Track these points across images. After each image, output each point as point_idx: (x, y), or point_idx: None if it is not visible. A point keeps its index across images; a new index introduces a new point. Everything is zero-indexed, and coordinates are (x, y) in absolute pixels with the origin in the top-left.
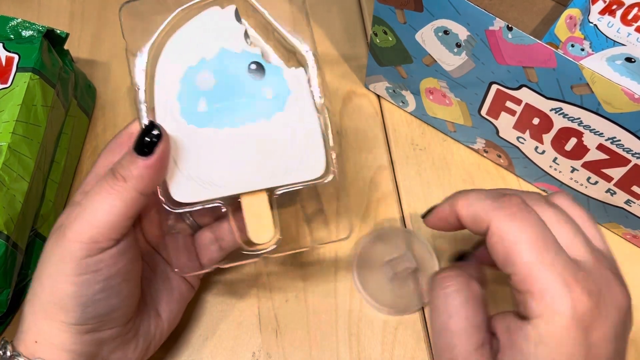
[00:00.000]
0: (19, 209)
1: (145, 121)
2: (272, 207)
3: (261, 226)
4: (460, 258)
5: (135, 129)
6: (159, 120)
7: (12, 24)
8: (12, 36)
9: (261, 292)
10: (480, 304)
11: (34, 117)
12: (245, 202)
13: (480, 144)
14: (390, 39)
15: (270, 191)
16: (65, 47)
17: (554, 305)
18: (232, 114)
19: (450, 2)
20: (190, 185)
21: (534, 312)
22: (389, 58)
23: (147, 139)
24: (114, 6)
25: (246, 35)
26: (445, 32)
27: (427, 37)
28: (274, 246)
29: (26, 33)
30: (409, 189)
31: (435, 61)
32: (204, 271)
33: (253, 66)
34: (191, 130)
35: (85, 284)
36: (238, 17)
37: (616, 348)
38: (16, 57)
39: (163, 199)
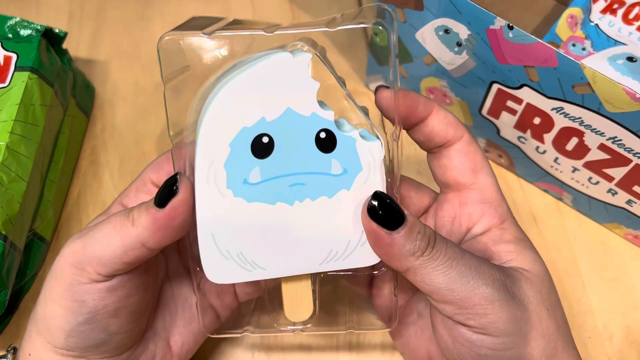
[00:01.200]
0: (17, 209)
1: (205, 210)
2: (313, 285)
3: (299, 306)
4: None
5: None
6: (198, 186)
7: (11, 23)
8: (10, 35)
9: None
10: None
11: (32, 116)
12: (286, 284)
13: (481, 143)
14: None
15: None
16: (64, 46)
17: (533, 255)
18: (289, 189)
19: (450, 1)
20: (227, 266)
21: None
22: (390, 58)
23: (165, 190)
24: (112, 5)
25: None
26: (446, 31)
27: (427, 36)
28: (308, 325)
29: (24, 32)
30: None
31: (436, 60)
32: (230, 335)
33: (322, 134)
34: (237, 203)
35: (69, 312)
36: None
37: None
38: (14, 56)
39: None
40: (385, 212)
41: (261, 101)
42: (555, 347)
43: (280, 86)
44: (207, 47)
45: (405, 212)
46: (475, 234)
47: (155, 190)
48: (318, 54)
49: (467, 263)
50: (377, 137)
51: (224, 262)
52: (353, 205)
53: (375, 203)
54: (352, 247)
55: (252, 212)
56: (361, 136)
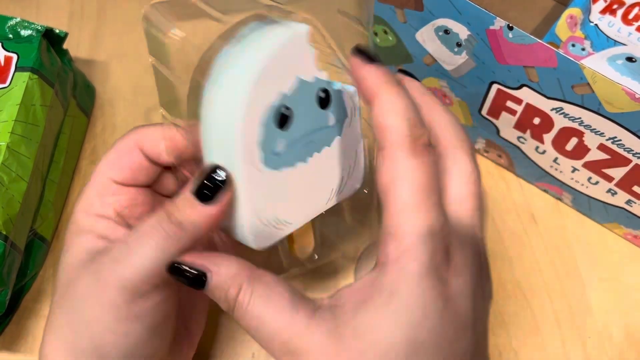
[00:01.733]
0: (17, 209)
1: (208, 162)
2: (313, 222)
3: (306, 243)
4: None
5: (142, 140)
6: (237, 166)
7: (11, 23)
8: (10, 35)
9: None
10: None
11: (33, 116)
12: (296, 229)
13: (480, 143)
14: (391, 38)
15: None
16: (64, 46)
17: (412, 250)
18: (304, 149)
19: (450, 1)
20: (268, 231)
21: (389, 257)
22: (389, 58)
23: (209, 183)
24: (113, 5)
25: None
26: (446, 31)
27: (427, 36)
28: (315, 257)
29: (25, 32)
30: None
31: (436, 61)
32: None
33: (322, 94)
34: (269, 175)
35: (126, 334)
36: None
37: (476, 304)
38: (15, 56)
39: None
40: (187, 279)
41: (276, 76)
42: None
43: (288, 58)
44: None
45: (209, 275)
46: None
47: (124, 191)
48: (313, 25)
49: (278, 301)
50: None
51: (263, 229)
52: (343, 147)
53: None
54: (344, 182)
55: (280, 179)
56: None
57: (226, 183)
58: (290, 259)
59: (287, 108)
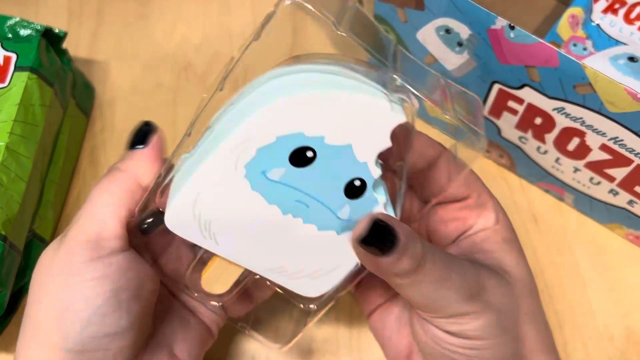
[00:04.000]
0: (16, 209)
1: (208, 174)
2: (242, 276)
3: (219, 280)
4: None
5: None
6: (221, 148)
7: (10, 22)
8: (10, 35)
9: None
10: None
11: (32, 116)
12: (221, 259)
13: None
14: (392, 38)
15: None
16: (64, 46)
17: (517, 258)
18: (293, 202)
19: (452, 0)
20: (189, 223)
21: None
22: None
23: (138, 134)
24: (112, 5)
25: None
26: (447, 31)
27: (428, 36)
28: (216, 303)
29: (24, 32)
30: None
31: (437, 60)
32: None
33: (357, 182)
34: (241, 184)
35: (91, 292)
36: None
37: None
38: (14, 56)
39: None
40: (376, 239)
41: (333, 123)
42: (532, 349)
43: (360, 123)
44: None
45: (400, 235)
46: (468, 235)
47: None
48: (414, 128)
49: (450, 286)
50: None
51: (189, 218)
52: (330, 246)
53: (367, 232)
54: (302, 275)
55: (247, 199)
56: (385, 206)
57: (153, 128)
58: (191, 279)
59: (313, 152)
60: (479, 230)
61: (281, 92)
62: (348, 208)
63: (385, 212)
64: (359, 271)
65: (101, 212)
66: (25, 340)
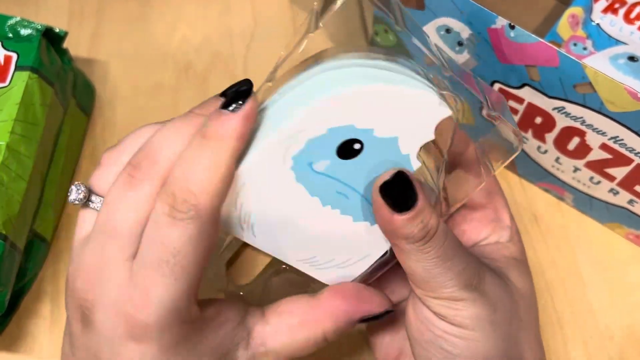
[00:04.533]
0: (17, 208)
1: (255, 160)
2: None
3: (244, 269)
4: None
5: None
6: (265, 145)
7: (11, 22)
8: (10, 35)
9: None
10: None
11: (33, 116)
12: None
13: None
14: (391, 38)
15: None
16: (64, 45)
17: (523, 275)
18: (333, 193)
19: (452, 0)
20: (231, 214)
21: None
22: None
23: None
24: (112, 5)
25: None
26: (447, 30)
27: (428, 35)
28: (240, 292)
29: (25, 32)
30: None
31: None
32: None
33: None
34: (286, 175)
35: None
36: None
37: None
38: (14, 55)
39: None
40: (396, 192)
41: (383, 116)
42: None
43: (408, 115)
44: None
45: (420, 197)
46: (480, 245)
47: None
48: (456, 121)
49: (452, 267)
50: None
51: (231, 209)
52: (363, 237)
53: (390, 180)
54: (331, 265)
55: (290, 191)
56: None
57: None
58: (218, 274)
59: (360, 145)
60: (491, 243)
61: (335, 85)
62: None
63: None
64: (384, 263)
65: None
66: None
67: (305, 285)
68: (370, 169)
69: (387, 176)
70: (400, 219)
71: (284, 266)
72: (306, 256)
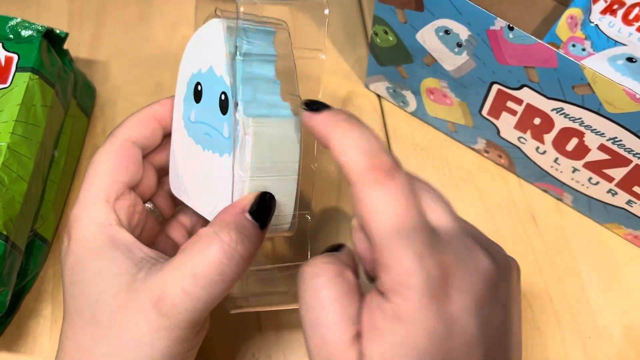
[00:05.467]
0: (18, 209)
1: (174, 134)
2: None
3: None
4: (334, 249)
5: (162, 110)
6: (174, 117)
7: (12, 23)
8: (11, 36)
9: None
10: (354, 294)
11: (34, 117)
12: None
13: (481, 144)
14: (391, 38)
15: None
16: (65, 46)
17: (406, 279)
18: (204, 135)
19: (451, 1)
20: (177, 182)
21: (387, 287)
22: (390, 58)
23: (264, 208)
24: (113, 6)
25: (237, 53)
26: (446, 31)
27: (427, 36)
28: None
29: (25, 33)
30: None
31: (436, 61)
32: None
33: (222, 97)
34: (182, 133)
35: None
36: (231, 31)
37: (487, 318)
38: (15, 57)
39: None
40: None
41: (203, 55)
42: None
43: (211, 45)
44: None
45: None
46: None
47: (133, 195)
48: (237, 21)
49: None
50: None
51: (175, 178)
52: (229, 171)
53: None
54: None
55: (188, 145)
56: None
57: (272, 209)
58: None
59: (200, 85)
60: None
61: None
62: (226, 124)
63: (248, 116)
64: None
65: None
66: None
67: (276, 282)
68: (210, 103)
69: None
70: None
71: (251, 268)
72: (211, 207)
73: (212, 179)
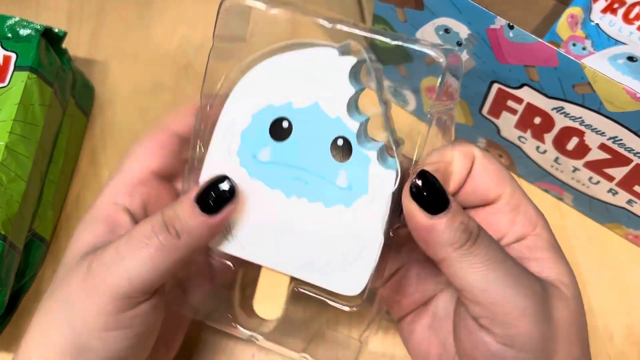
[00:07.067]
0: (16, 209)
1: (211, 170)
2: (287, 294)
3: (271, 301)
4: None
5: (174, 126)
6: (212, 143)
7: (10, 22)
8: (9, 35)
9: None
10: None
11: (32, 116)
12: (265, 272)
13: (481, 143)
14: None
15: (294, 281)
16: (63, 45)
17: (567, 266)
18: (291, 181)
19: (451, 0)
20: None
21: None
22: (390, 57)
23: (214, 193)
24: (112, 5)
25: (355, 99)
26: (446, 30)
27: (427, 35)
28: (268, 329)
29: (24, 32)
30: None
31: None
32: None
33: (340, 142)
34: (240, 173)
35: (113, 340)
36: (356, 75)
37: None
38: (14, 55)
39: None
40: (429, 193)
41: (294, 86)
42: None
43: (317, 78)
44: (266, 21)
45: (451, 198)
46: (508, 243)
47: (154, 184)
48: (368, 60)
49: (509, 269)
50: (396, 168)
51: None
52: (345, 226)
53: (419, 182)
54: (332, 268)
55: (250, 188)
56: (380, 158)
57: (233, 196)
58: (242, 313)
59: (288, 121)
60: (515, 239)
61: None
62: (344, 173)
63: (388, 169)
64: (388, 249)
65: (141, 278)
66: (33, 339)
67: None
68: (311, 144)
69: (413, 180)
70: (441, 222)
71: (295, 288)
72: (301, 262)
73: (306, 232)
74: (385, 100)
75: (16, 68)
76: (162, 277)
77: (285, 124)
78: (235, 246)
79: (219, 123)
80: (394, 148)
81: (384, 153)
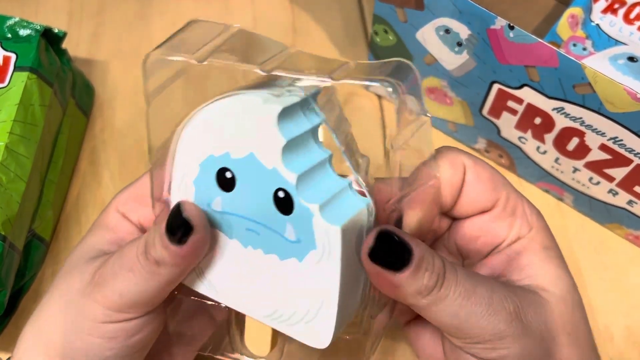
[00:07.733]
0: (16, 209)
1: (171, 197)
2: (272, 332)
3: (258, 340)
4: None
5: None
6: (173, 199)
7: (10, 22)
8: (9, 35)
9: None
10: None
11: (32, 116)
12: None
13: (481, 144)
14: (391, 38)
15: None
16: (63, 46)
17: (558, 269)
18: (245, 231)
19: (451, 0)
20: (190, 274)
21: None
22: (390, 57)
23: (176, 222)
24: (112, 5)
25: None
26: (447, 30)
27: (428, 36)
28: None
29: (24, 32)
30: None
31: (436, 60)
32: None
33: (281, 194)
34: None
35: (97, 347)
36: (295, 118)
37: None
38: (13, 56)
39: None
40: (388, 253)
41: (230, 136)
42: None
43: (248, 128)
44: (195, 74)
45: (413, 246)
46: (501, 249)
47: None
48: (315, 108)
49: (479, 299)
50: (365, 205)
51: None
52: (302, 279)
53: (376, 244)
54: (298, 319)
55: (213, 234)
56: (323, 210)
57: (191, 229)
58: (241, 346)
59: (230, 172)
60: (512, 241)
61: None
62: (290, 226)
63: (333, 224)
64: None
65: (130, 299)
66: (31, 348)
67: None
68: (254, 196)
69: (370, 241)
70: (405, 276)
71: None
72: (268, 311)
73: (269, 282)
74: (343, 139)
75: (16, 68)
76: (151, 298)
77: (228, 175)
78: (210, 288)
79: (174, 175)
80: (362, 184)
81: (334, 201)
